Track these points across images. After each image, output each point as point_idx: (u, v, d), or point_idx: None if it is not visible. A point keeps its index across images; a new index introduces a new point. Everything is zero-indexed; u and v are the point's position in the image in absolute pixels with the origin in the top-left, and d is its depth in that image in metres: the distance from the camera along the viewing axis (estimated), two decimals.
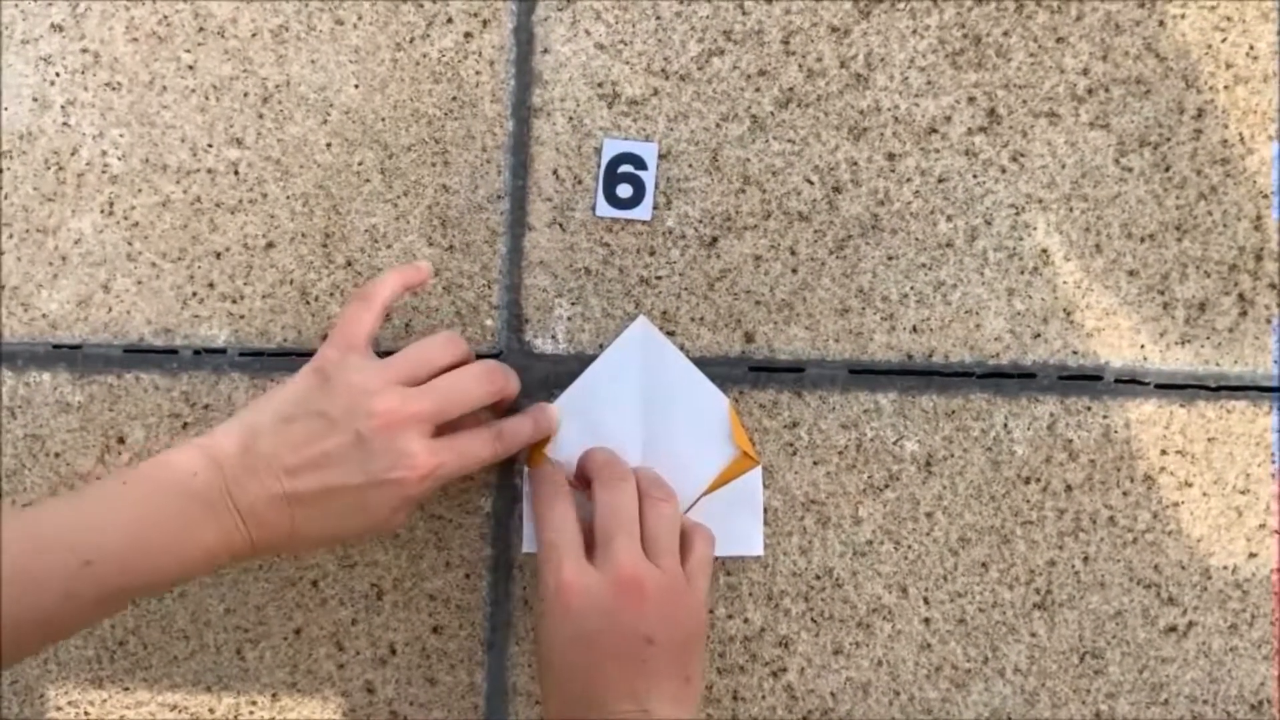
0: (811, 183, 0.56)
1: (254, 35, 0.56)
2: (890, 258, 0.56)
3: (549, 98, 0.56)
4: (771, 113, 0.56)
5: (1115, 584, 0.56)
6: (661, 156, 0.56)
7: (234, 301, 0.56)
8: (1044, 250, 0.56)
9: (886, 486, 0.56)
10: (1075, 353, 0.56)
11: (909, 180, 0.56)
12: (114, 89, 0.56)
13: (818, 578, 0.56)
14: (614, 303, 0.56)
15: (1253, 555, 0.56)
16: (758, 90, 0.56)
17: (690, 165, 0.56)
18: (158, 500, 0.45)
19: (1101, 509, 0.56)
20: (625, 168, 0.56)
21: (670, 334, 0.56)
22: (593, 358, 0.56)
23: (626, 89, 0.56)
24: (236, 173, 0.56)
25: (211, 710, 0.56)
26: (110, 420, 0.56)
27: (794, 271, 0.56)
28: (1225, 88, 0.56)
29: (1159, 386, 0.56)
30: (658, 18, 0.56)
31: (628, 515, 0.49)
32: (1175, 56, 0.56)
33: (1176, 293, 0.56)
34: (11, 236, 0.56)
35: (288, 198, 0.56)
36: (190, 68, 0.56)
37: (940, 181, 0.56)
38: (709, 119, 0.56)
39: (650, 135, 0.56)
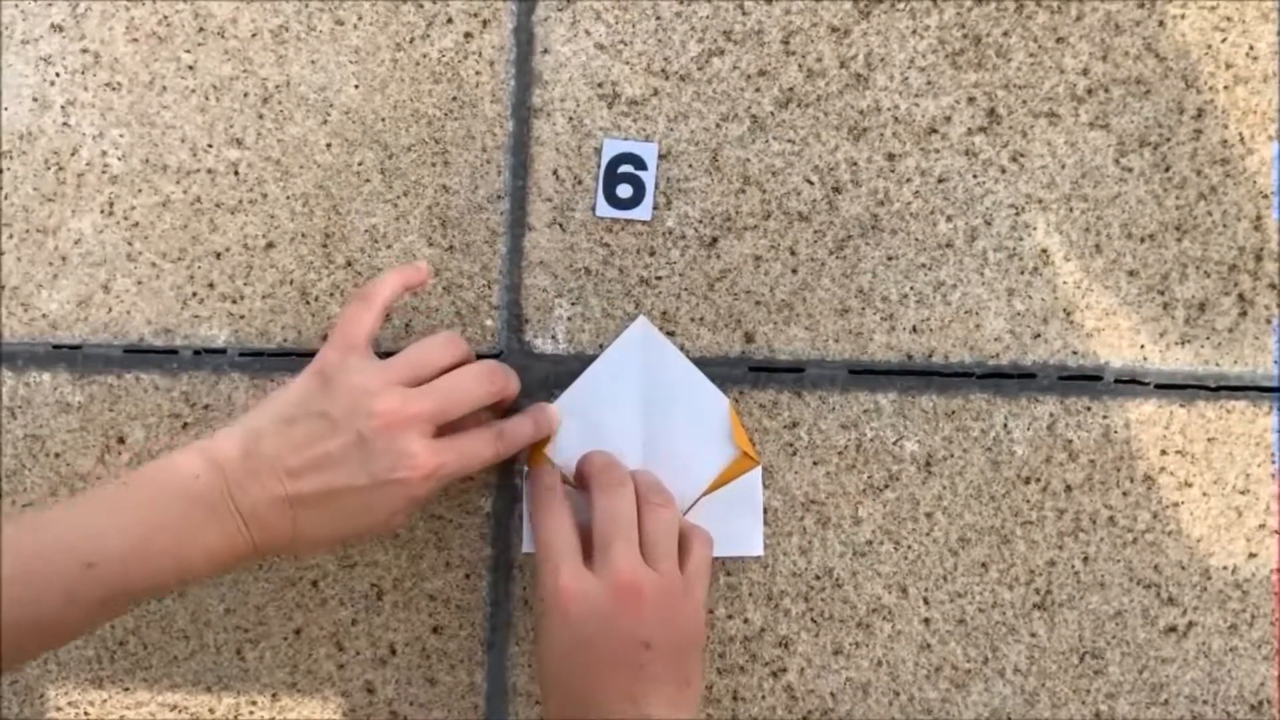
0: (811, 183, 0.56)
1: (254, 35, 0.56)
2: (890, 258, 0.56)
3: (549, 98, 0.56)
4: (771, 113, 0.56)
5: (1115, 584, 0.56)
6: (661, 157, 0.56)
7: (234, 302, 0.56)
8: (1044, 250, 0.56)
9: (886, 486, 0.56)
10: (1075, 353, 0.56)
11: (909, 180, 0.56)
12: (114, 89, 0.56)
13: (818, 578, 0.56)
14: (614, 303, 0.56)
15: (1253, 555, 0.56)
16: (758, 90, 0.56)
17: (690, 165, 0.56)
18: (160, 503, 0.45)
19: (1101, 509, 0.56)
20: (625, 168, 0.56)
21: (670, 334, 0.56)
22: (593, 358, 0.56)
23: (626, 89, 0.56)
24: (236, 173, 0.56)
25: (211, 710, 0.56)
26: (110, 420, 0.56)
27: (794, 272, 0.56)
28: (1225, 88, 0.56)
29: (1159, 386, 0.56)
30: (658, 18, 0.56)
31: (626, 520, 0.49)
32: (1175, 57, 0.56)
33: (1176, 293, 0.56)
34: (11, 236, 0.56)
35: (288, 198, 0.56)
36: (190, 68, 0.56)
37: (940, 181, 0.56)
38: (709, 119, 0.56)
39: (650, 135, 0.56)
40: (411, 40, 0.56)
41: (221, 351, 0.56)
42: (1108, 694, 0.56)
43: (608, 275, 0.56)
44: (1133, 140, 0.56)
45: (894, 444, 0.56)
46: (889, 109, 0.56)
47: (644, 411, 0.55)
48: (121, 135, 0.56)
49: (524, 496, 0.55)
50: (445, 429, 0.48)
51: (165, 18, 0.56)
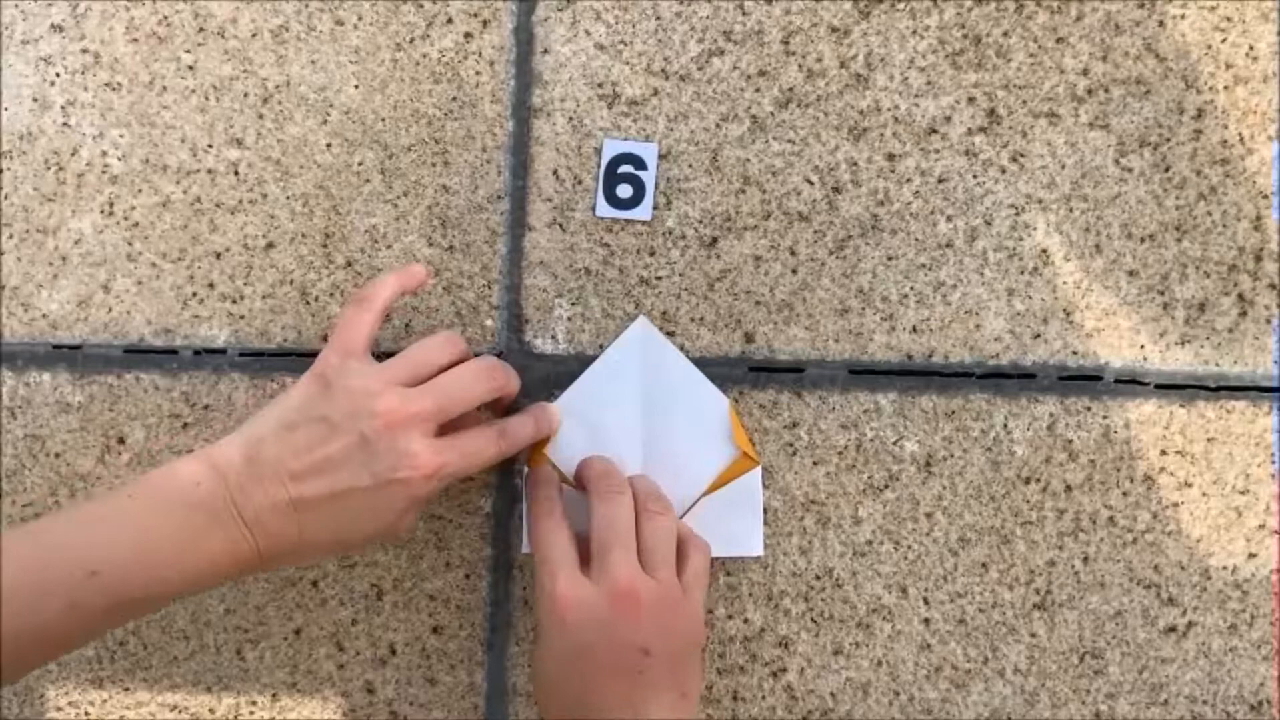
0: (811, 183, 0.56)
1: (254, 35, 0.56)
2: (890, 258, 0.56)
3: (549, 98, 0.56)
4: (771, 113, 0.56)
5: (1115, 584, 0.56)
6: (661, 157, 0.56)
7: (234, 302, 0.56)
8: (1044, 250, 0.56)
9: (886, 486, 0.56)
10: (1075, 353, 0.56)
11: (909, 180, 0.56)
12: (114, 89, 0.56)
13: (818, 578, 0.56)
14: (614, 303, 0.56)
15: (1252, 555, 0.56)
16: (758, 90, 0.56)
17: (690, 165, 0.56)
18: (162, 511, 0.44)
19: (1101, 509, 0.56)
20: (625, 168, 0.56)
21: (670, 334, 0.56)
22: (593, 358, 0.56)
23: (626, 89, 0.56)
24: (236, 173, 0.56)
25: (211, 710, 0.56)
26: (110, 420, 0.56)
27: (794, 272, 0.56)
28: (1225, 88, 0.56)
29: (1159, 387, 0.56)
30: (658, 18, 0.56)
31: (624, 527, 0.49)
32: (1175, 57, 0.56)
33: (1176, 293, 0.56)
34: (11, 237, 0.56)
35: (288, 198, 0.56)
36: (190, 68, 0.56)
37: (940, 182, 0.56)
38: (709, 119, 0.56)
39: (650, 135, 0.56)
40: (411, 40, 0.56)
41: (221, 351, 0.56)
42: (1108, 694, 0.56)
43: (608, 275, 0.56)
44: (1133, 140, 0.56)
45: (894, 444, 0.56)
46: (889, 109, 0.56)
47: (644, 412, 0.55)
48: (121, 135, 0.56)
49: (524, 497, 0.55)
50: (447, 429, 0.48)
51: (165, 18, 0.56)
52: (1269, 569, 0.56)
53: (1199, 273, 0.56)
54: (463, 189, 0.56)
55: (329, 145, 0.56)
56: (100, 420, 0.56)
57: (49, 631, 0.43)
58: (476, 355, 0.55)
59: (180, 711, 0.56)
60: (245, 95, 0.56)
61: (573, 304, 0.56)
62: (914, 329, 0.56)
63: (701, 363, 0.56)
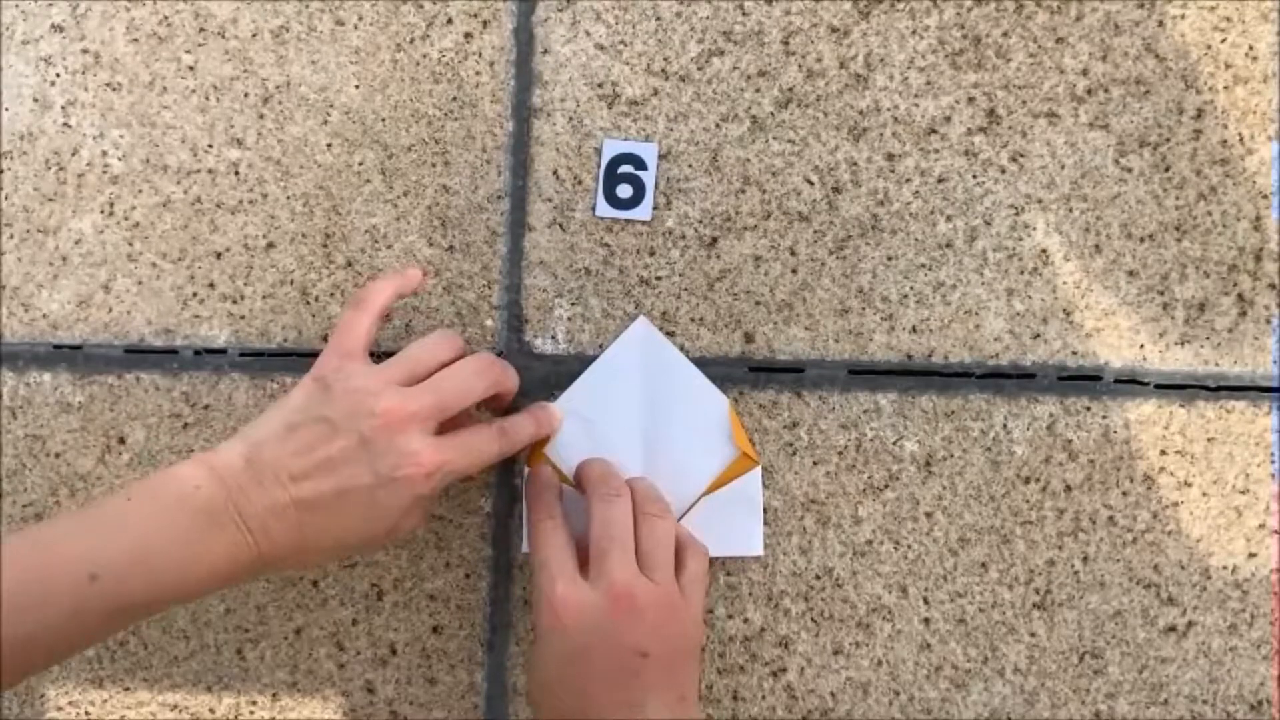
0: (811, 183, 0.56)
1: (254, 36, 0.56)
2: (890, 258, 0.56)
3: (549, 98, 0.56)
4: (771, 113, 0.56)
5: (1115, 584, 0.56)
6: (661, 157, 0.56)
7: (234, 302, 0.56)
8: (1043, 250, 0.56)
9: (886, 486, 0.56)
10: (1075, 353, 0.56)
11: (909, 180, 0.56)
12: (114, 89, 0.56)
13: (818, 578, 0.56)
14: (614, 303, 0.56)
15: (1252, 555, 0.56)
16: (758, 91, 0.56)
17: (690, 165, 0.56)
18: (160, 515, 0.44)
19: (1101, 509, 0.56)
20: (625, 168, 0.56)
21: (670, 334, 0.56)
22: (593, 358, 0.56)
23: (626, 89, 0.56)
24: (237, 173, 0.56)
25: (212, 710, 0.56)
26: (111, 420, 0.56)
27: (794, 272, 0.56)
28: (1225, 88, 0.56)
29: (1159, 387, 0.56)
30: (658, 18, 0.56)
31: (622, 530, 0.49)
32: (1175, 57, 0.56)
33: (1176, 293, 0.56)
34: (12, 237, 0.56)
35: (288, 198, 0.56)
36: (191, 68, 0.56)
37: (940, 182, 0.56)
38: (709, 119, 0.56)
39: (650, 135, 0.56)
40: (412, 41, 0.56)
41: (222, 351, 0.56)
42: (1108, 694, 0.56)
43: (608, 275, 0.56)
44: (1133, 140, 0.56)
45: (894, 444, 0.56)
46: (889, 109, 0.56)
47: (644, 412, 0.55)
48: (122, 135, 0.56)
49: (524, 496, 0.55)
50: (448, 429, 0.48)
51: (166, 18, 0.56)
52: (1269, 569, 0.56)
53: (1199, 273, 0.56)
54: (463, 189, 0.56)
55: (329, 145, 0.56)
56: (101, 420, 0.56)
57: (53, 636, 0.43)
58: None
59: (180, 711, 0.56)
60: (246, 95, 0.56)
61: (573, 304, 0.56)
62: (914, 329, 0.56)
63: (701, 363, 0.56)
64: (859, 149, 0.56)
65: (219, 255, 0.56)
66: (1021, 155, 0.56)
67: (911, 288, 0.56)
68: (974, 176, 0.56)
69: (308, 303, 0.56)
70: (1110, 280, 0.56)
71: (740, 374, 0.56)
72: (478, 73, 0.56)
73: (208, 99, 0.56)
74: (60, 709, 0.56)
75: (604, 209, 0.56)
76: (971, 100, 0.56)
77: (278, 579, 0.56)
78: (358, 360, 0.48)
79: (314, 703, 0.56)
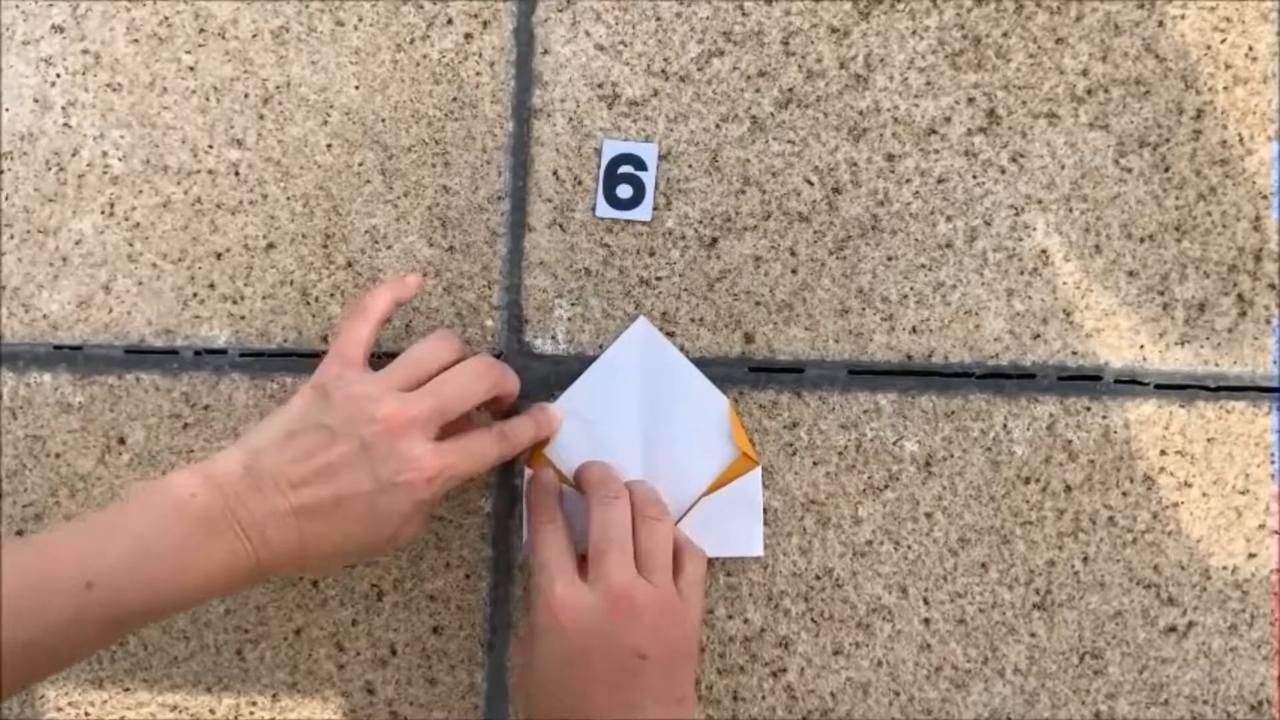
0: (811, 183, 0.56)
1: (254, 36, 0.56)
2: (890, 258, 0.56)
3: (549, 99, 0.56)
4: (771, 113, 0.56)
5: (1115, 584, 0.56)
6: (661, 157, 0.56)
7: (234, 302, 0.56)
8: (1043, 251, 0.56)
9: (886, 487, 0.56)
10: (1075, 353, 0.56)
11: (909, 181, 0.56)
12: (115, 90, 0.56)
13: (818, 578, 0.56)
14: (614, 303, 0.56)
15: (1252, 555, 0.56)
16: (758, 91, 0.56)
17: (690, 166, 0.56)
18: (157, 523, 0.44)
19: (1101, 509, 0.56)
20: (625, 168, 0.56)
21: (670, 334, 0.56)
22: (593, 358, 0.56)
23: (626, 90, 0.56)
24: (237, 174, 0.56)
25: (212, 711, 0.56)
26: (111, 421, 0.56)
27: (794, 272, 0.56)
28: (1225, 88, 0.56)
29: (1159, 387, 0.56)
30: (658, 19, 0.56)
31: (621, 532, 0.49)
32: (1175, 57, 0.56)
33: (1176, 293, 0.56)
34: (12, 237, 0.56)
35: (288, 199, 0.56)
36: (191, 69, 0.56)
37: (940, 182, 0.56)
38: (709, 120, 0.56)
39: (650, 136, 0.56)
40: (412, 41, 0.56)
41: (222, 352, 0.56)
42: (1108, 694, 0.56)
43: (608, 276, 0.56)
44: (1132, 140, 0.56)
45: (894, 444, 0.56)
46: (889, 109, 0.56)
47: (644, 412, 0.55)
48: (122, 136, 0.56)
49: (524, 496, 0.55)
50: (449, 433, 0.48)
51: (166, 18, 0.56)
52: (1269, 569, 0.56)
53: (1199, 273, 0.56)
54: (463, 189, 0.56)
55: (329, 146, 0.56)
56: (101, 421, 0.56)
57: (49, 642, 0.42)
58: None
59: (180, 711, 0.56)
60: (246, 96, 0.56)
61: (573, 304, 0.56)
62: (914, 329, 0.56)
63: (701, 363, 0.56)
64: (859, 149, 0.56)
65: (219, 256, 0.56)
66: (1021, 155, 0.56)
67: (911, 288, 0.56)
68: (974, 177, 0.56)
69: (308, 303, 0.56)
70: (1110, 280, 0.56)
71: (740, 374, 0.56)
72: (478, 73, 0.56)
73: (208, 99, 0.56)
74: (60, 709, 0.56)
75: (604, 209, 0.56)
76: (971, 101, 0.56)
77: (278, 579, 0.56)
78: (357, 368, 0.48)
79: (314, 703, 0.56)
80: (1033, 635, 0.56)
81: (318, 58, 0.56)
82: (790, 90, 0.56)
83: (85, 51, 0.56)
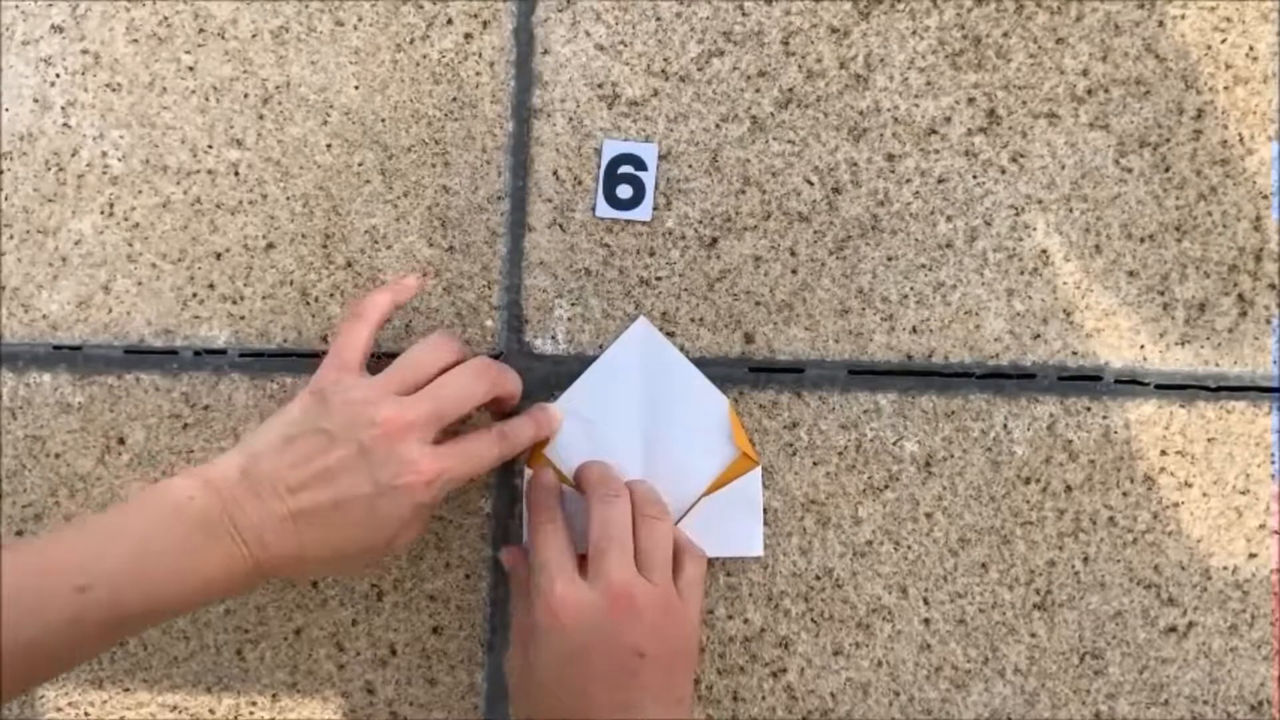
0: (811, 183, 0.56)
1: (254, 36, 0.56)
2: (890, 258, 0.56)
3: (549, 99, 0.56)
4: (771, 113, 0.56)
5: (1115, 584, 0.56)
6: (661, 157, 0.56)
7: (234, 302, 0.56)
8: (1044, 251, 0.56)
9: (886, 487, 0.56)
10: (1075, 353, 0.56)
11: (909, 181, 0.56)
12: (114, 90, 0.56)
13: (818, 578, 0.56)
14: (614, 303, 0.56)
15: (1253, 555, 0.56)
16: (758, 91, 0.56)
17: (690, 166, 0.56)
18: (154, 526, 0.44)
19: (1101, 509, 0.56)
20: (625, 168, 0.56)
21: (670, 334, 0.56)
22: (593, 358, 0.56)
23: (626, 90, 0.56)
24: (237, 174, 0.56)
25: (212, 711, 0.56)
26: (111, 421, 0.56)
27: (794, 272, 0.56)
28: (1225, 88, 0.56)
29: (1159, 387, 0.56)
30: (658, 19, 0.56)
31: (621, 531, 0.50)
32: (1175, 57, 0.56)
33: (1176, 293, 0.56)
34: (12, 237, 0.56)
35: (288, 199, 0.56)
36: (190, 69, 0.56)
37: (940, 182, 0.56)
38: (709, 120, 0.56)
39: (650, 136, 0.56)
40: (411, 41, 0.56)
41: (222, 352, 0.56)
42: (1108, 694, 0.56)
43: (608, 276, 0.56)
44: (1133, 140, 0.56)
45: (894, 444, 0.56)
46: (889, 109, 0.56)
47: (644, 412, 0.55)
48: (122, 136, 0.56)
49: (524, 497, 0.55)
50: (449, 435, 0.48)
51: (165, 19, 0.56)
52: (1269, 569, 0.56)
53: (1199, 273, 0.56)
54: (463, 189, 0.56)
55: (329, 146, 0.56)
56: (101, 421, 0.56)
57: (50, 645, 0.42)
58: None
59: (180, 711, 0.56)
60: (245, 96, 0.56)
61: (573, 304, 0.56)
62: (914, 329, 0.56)
63: (701, 363, 0.56)
64: (859, 149, 0.56)
65: (219, 256, 0.56)
66: (1021, 155, 0.56)
67: (911, 288, 0.56)
68: (974, 177, 0.56)
69: (307, 303, 0.56)
70: (1110, 280, 0.56)
71: (740, 374, 0.56)
72: (478, 73, 0.56)
73: (207, 99, 0.56)
74: (60, 709, 0.56)
75: (604, 209, 0.56)
76: (971, 101, 0.56)
77: (278, 580, 0.56)
78: (355, 373, 0.49)
79: (314, 703, 0.56)
80: (1033, 635, 0.56)
81: (317, 58, 0.56)
82: (790, 90, 0.56)
83: (85, 51, 0.56)
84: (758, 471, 0.55)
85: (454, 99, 0.56)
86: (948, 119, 0.56)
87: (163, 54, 0.56)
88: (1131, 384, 0.56)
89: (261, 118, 0.56)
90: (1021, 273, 0.56)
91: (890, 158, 0.56)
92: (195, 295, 0.56)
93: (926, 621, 0.56)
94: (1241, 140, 0.56)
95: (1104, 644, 0.56)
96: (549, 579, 0.48)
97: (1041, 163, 0.56)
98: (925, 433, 0.56)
